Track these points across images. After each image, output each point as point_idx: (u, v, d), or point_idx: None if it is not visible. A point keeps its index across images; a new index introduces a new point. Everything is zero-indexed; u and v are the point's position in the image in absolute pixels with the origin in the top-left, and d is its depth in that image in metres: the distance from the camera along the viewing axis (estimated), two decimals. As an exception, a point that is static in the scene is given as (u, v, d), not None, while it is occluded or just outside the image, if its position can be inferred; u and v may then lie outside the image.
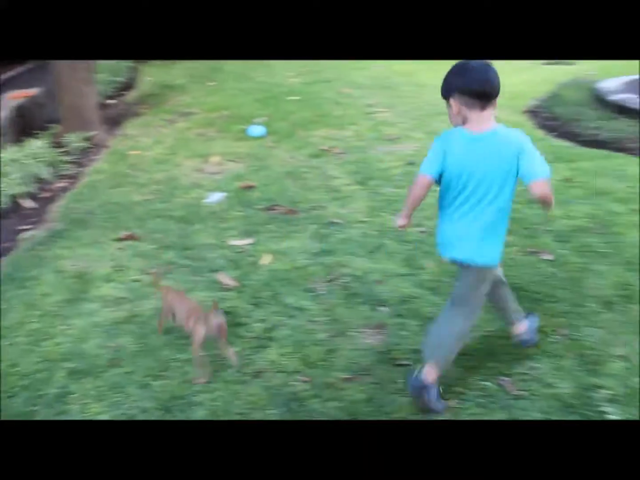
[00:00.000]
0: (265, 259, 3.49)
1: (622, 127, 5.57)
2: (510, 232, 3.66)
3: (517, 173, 2.13)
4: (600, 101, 6.42)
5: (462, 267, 2.36)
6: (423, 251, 3.55)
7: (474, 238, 2.23)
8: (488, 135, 2.13)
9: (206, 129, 6.33)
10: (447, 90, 2.14)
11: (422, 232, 3.79)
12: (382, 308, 3.04)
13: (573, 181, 4.51)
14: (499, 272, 2.53)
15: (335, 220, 3.97)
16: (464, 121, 2.15)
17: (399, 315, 2.97)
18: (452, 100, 2.13)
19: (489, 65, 2.06)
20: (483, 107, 2.09)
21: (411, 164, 4.99)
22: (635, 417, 2.28)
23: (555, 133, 5.73)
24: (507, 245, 3.51)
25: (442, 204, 2.38)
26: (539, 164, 2.09)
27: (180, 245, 3.75)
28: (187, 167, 5.21)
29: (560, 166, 4.67)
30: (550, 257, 3.46)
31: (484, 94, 2.07)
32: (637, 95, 6.60)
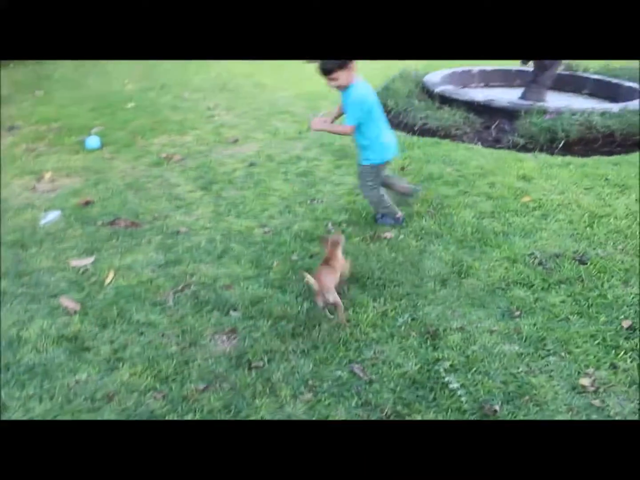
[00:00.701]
0: (110, 277, 3.39)
1: (447, 116, 6.09)
2: (352, 223, 3.95)
3: None
4: (427, 93, 6.94)
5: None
6: (269, 251, 3.65)
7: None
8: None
9: (36, 144, 5.93)
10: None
11: (266, 232, 3.89)
12: (233, 312, 3.07)
13: (406, 169, 4.86)
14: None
15: (180, 229, 3.94)
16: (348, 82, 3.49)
17: (250, 318, 3.01)
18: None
19: None
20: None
21: (252, 164, 5.09)
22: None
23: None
24: (351, 235, 3.76)
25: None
26: None
27: (14, 273, 3.50)
28: (17, 186, 4.86)
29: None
30: (390, 235, 3.74)
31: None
32: (457, 87, 7.28)
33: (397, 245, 3.67)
